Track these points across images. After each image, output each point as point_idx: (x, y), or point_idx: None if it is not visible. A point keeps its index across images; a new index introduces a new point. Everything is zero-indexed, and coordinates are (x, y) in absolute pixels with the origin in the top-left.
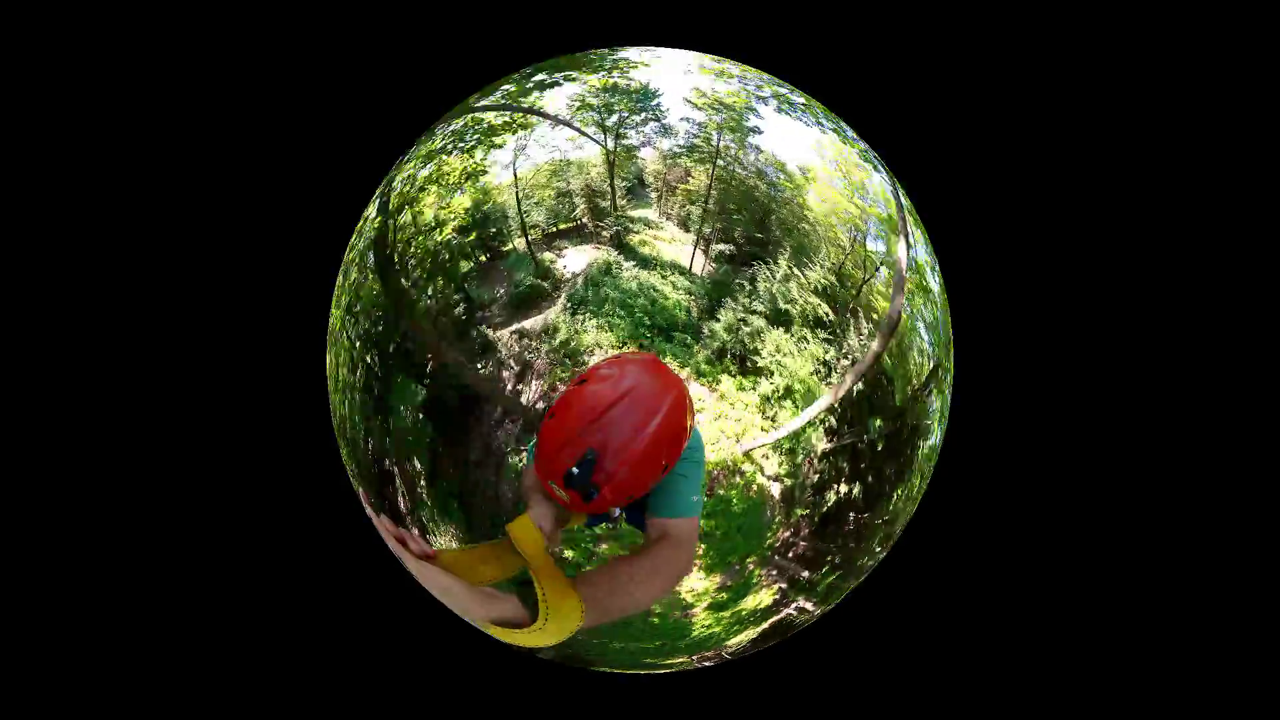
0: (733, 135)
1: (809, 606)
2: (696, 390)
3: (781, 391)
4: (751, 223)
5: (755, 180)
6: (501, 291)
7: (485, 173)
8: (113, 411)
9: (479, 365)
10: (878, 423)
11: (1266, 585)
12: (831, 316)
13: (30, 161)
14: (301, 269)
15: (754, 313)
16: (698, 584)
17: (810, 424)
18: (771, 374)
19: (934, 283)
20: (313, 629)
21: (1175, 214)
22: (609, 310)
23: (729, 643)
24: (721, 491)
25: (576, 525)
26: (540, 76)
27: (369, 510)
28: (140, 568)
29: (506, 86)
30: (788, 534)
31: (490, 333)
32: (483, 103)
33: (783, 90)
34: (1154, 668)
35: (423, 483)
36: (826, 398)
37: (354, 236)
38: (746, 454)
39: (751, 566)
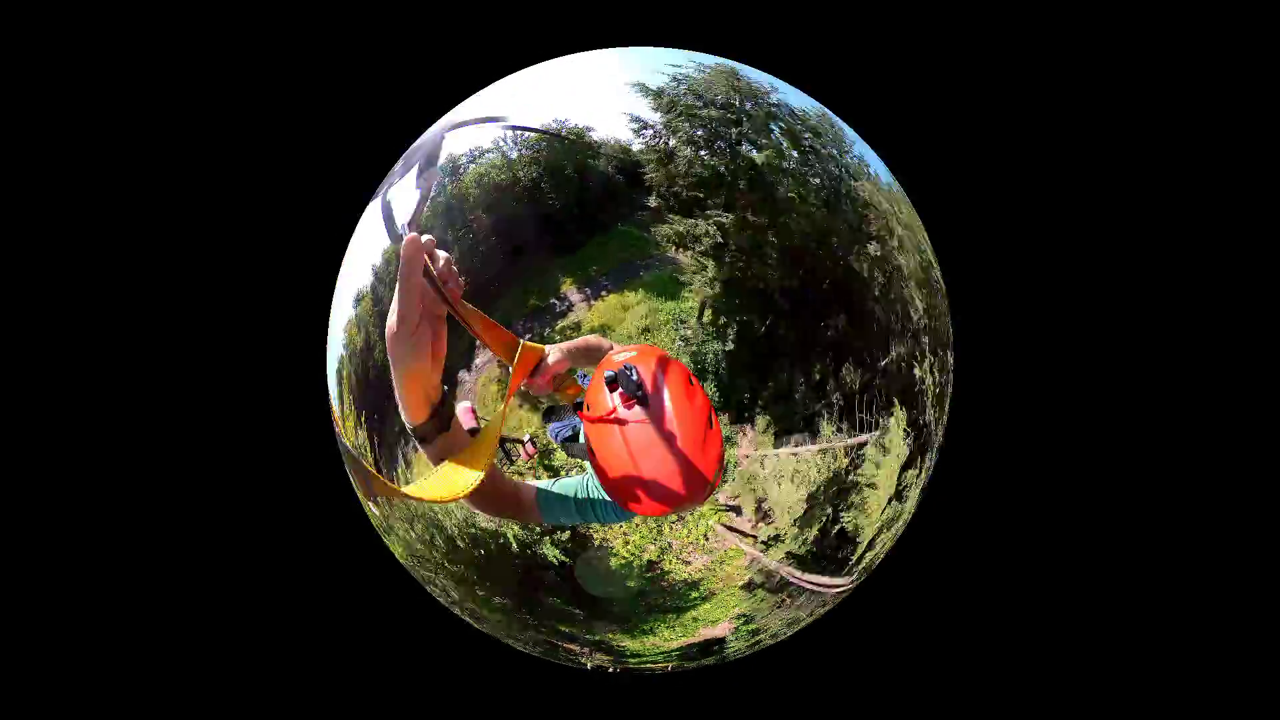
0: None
1: None
2: None
3: None
4: None
5: None
6: None
7: None
8: (113, 411)
9: None
10: None
11: (1266, 585)
12: None
13: (30, 163)
14: (301, 269)
15: None
16: None
17: None
18: None
19: None
20: (313, 629)
21: (1175, 214)
22: None
23: None
24: None
25: (561, 398)
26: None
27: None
28: (140, 567)
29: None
30: None
31: None
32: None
33: None
34: (1154, 668)
35: None
36: None
37: None
38: None
39: None
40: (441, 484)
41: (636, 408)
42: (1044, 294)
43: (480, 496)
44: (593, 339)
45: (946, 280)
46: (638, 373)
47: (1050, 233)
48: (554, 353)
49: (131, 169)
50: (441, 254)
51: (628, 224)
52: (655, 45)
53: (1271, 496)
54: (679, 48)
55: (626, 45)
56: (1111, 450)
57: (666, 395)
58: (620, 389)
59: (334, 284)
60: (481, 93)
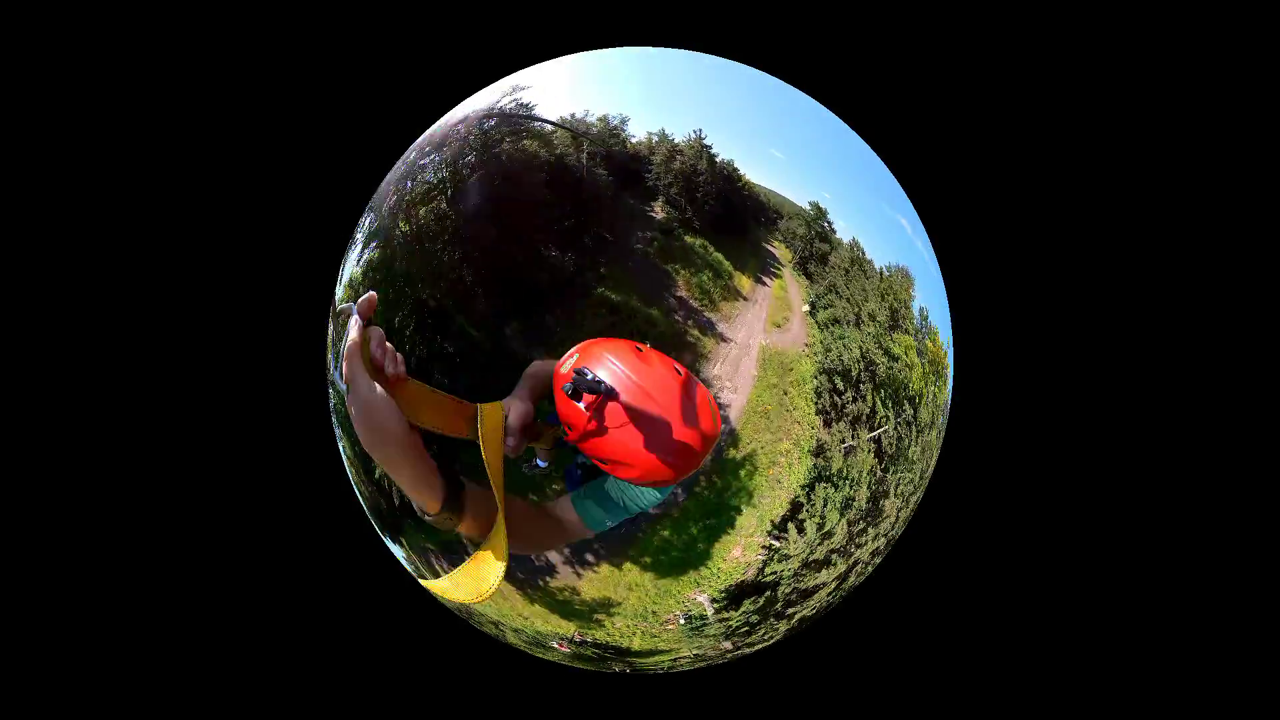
0: None
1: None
2: None
3: None
4: None
5: None
6: None
7: None
8: (113, 412)
9: None
10: None
11: (1266, 586)
12: None
13: (28, 166)
14: (302, 268)
15: None
16: None
17: None
18: None
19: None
20: (313, 629)
21: (1175, 214)
22: None
23: None
24: None
25: (529, 449)
26: None
27: (341, 309)
28: (140, 568)
29: None
30: None
31: None
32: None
33: None
34: (1154, 669)
35: None
36: None
37: None
38: None
39: None
40: (470, 582)
41: (610, 403)
42: (1044, 295)
43: (525, 541)
44: (536, 367)
45: (947, 280)
46: (590, 371)
47: (1050, 232)
48: (514, 404)
49: (132, 171)
50: (375, 332)
51: (609, 284)
52: (656, 45)
53: (1271, 501)
54: (680, 46)
55: (626, 45)
56: (1112, 450)
57: (628, 375)
58: (585, 393)
59: (334, 284)
60: (480, 92)
